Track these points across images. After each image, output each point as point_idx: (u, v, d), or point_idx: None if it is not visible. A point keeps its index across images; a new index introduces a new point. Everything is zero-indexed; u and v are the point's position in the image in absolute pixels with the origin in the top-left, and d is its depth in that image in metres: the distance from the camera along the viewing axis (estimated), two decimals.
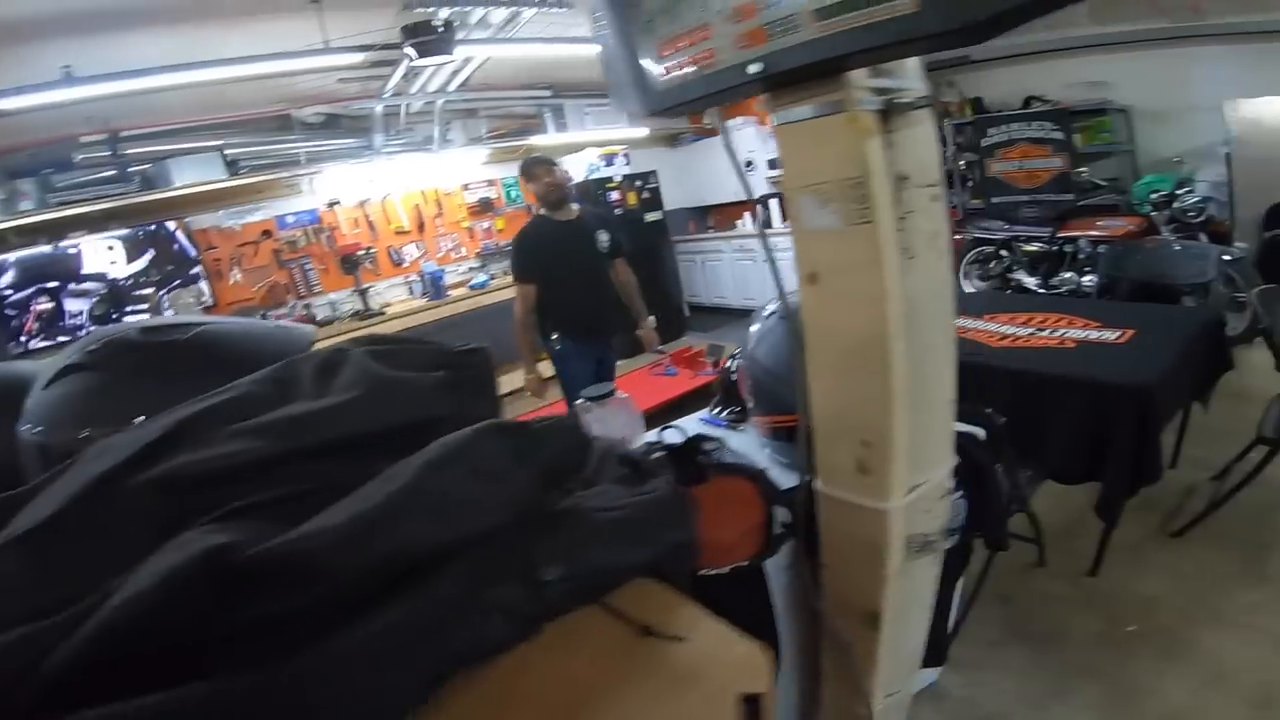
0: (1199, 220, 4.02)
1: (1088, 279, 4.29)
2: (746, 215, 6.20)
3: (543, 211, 2.81)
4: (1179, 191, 4.11)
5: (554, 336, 2.80)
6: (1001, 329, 2.58)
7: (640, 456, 0.94)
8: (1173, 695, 1.68)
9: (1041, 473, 2.07)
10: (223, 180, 4.22)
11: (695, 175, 6.66)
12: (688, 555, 0.75)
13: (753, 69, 0.82)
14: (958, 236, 5.37)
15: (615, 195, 5.52)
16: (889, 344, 0.90)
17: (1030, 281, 4.79)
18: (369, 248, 4.88)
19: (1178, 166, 4.54)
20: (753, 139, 6.06)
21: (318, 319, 4.68)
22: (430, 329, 4.60)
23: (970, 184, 5.65)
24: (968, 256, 5.25)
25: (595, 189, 5.42)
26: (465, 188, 5.36)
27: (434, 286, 4.98)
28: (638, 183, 5.66)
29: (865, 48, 0.70)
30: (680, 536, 0.74)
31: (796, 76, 0.81)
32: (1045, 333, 2.46)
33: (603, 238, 2.76)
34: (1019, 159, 5.22)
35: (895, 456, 0.96)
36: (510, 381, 2.87)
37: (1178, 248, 3.25)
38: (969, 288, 5.32)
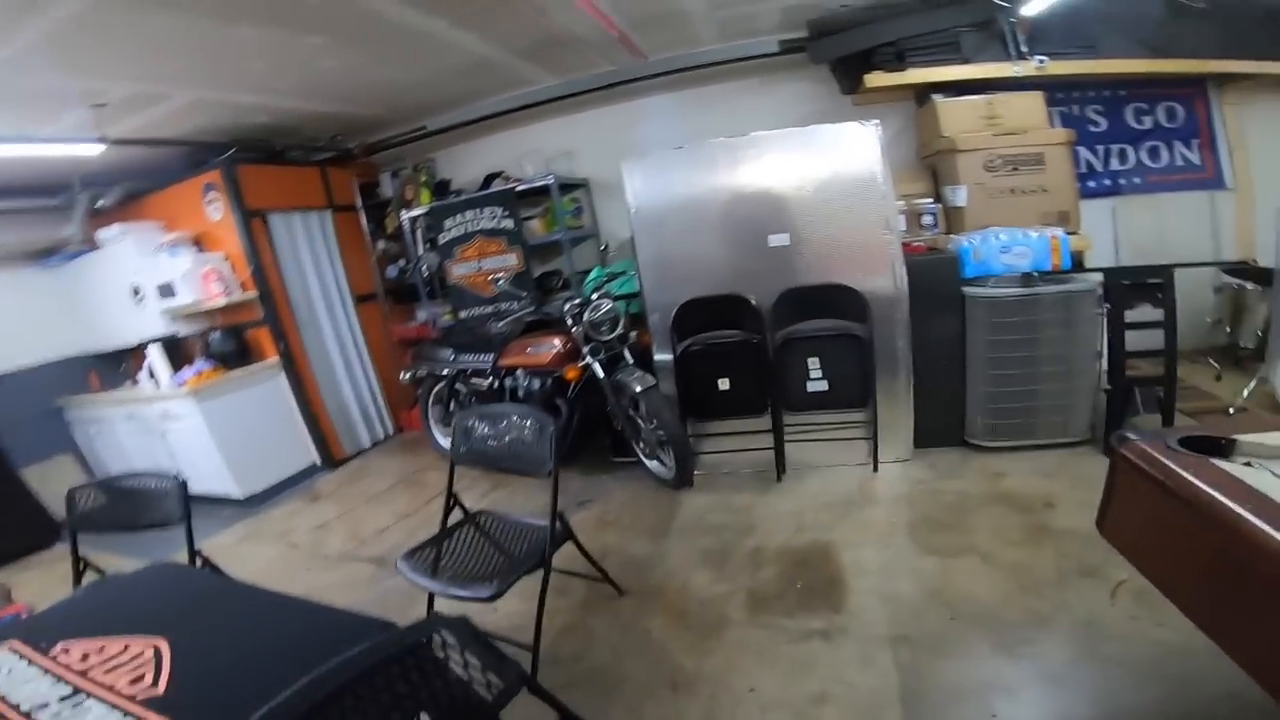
0: (613, 335, 2.88)
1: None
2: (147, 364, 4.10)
3: None
4: (594, 297, 2.94)
5: None
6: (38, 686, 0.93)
7: None
8: None
9: None
10: None
11: (87, 305, 4.45)
12: None
13: None
14: (406, 375, 3.86)
15: None
16: None
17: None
18: None
19: (607, 258, 3.50)
20: (134, 255, 4.08)
21: None
22: None
23: (442, 295, 4.24)
24: (430, 398, 3.77)
25: None
26: None
27: None
28: None
29: None
30: None
31: None
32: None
33: None
34: (478, 258, 3.93)
35: None
36: None
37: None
38: (442, 439, 3.81)
